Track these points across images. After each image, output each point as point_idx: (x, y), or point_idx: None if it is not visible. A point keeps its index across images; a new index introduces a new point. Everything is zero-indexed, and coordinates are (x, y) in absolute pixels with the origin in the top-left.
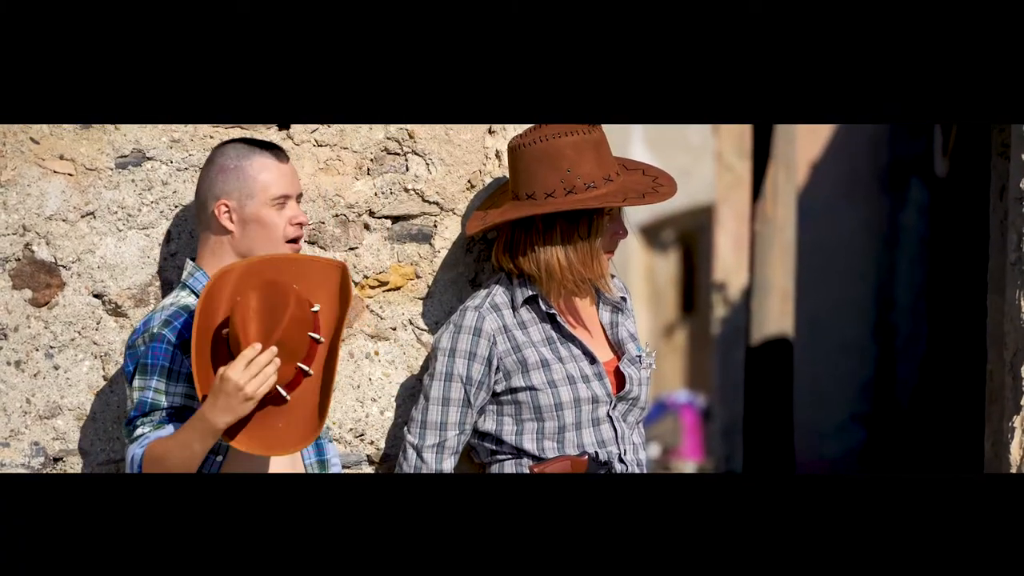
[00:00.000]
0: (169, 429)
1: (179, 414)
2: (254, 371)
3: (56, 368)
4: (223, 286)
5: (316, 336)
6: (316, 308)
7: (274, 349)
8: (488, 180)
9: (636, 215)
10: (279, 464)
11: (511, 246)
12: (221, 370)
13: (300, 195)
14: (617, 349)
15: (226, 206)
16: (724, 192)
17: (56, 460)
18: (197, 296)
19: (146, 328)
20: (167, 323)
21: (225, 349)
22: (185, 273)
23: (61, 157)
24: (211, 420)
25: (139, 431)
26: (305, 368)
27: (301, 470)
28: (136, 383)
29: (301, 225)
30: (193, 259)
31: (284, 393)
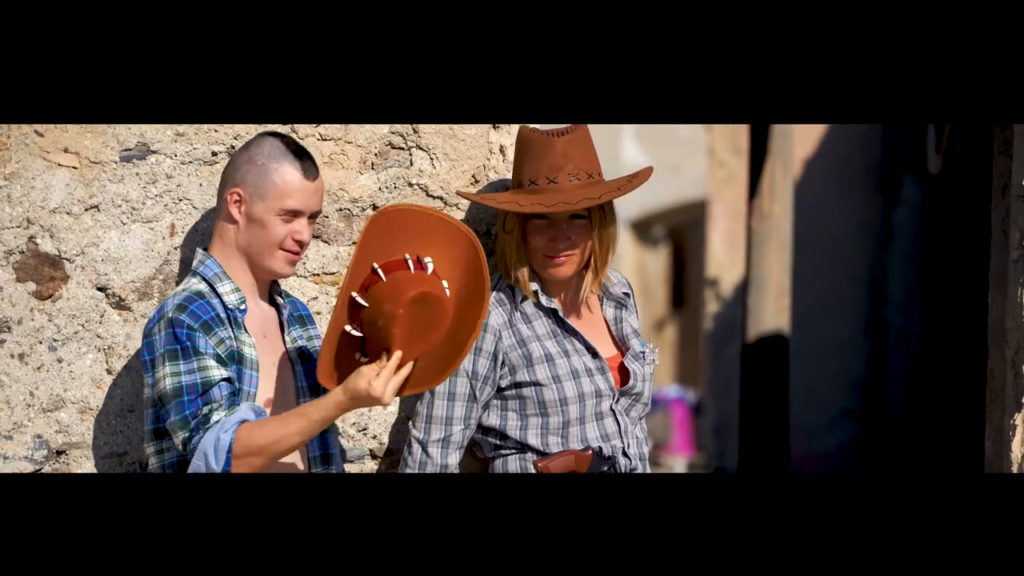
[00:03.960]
0: (244, 410)
1: (233, 390)
2: (395, 385)
3: (59, 361)
4: (385, 230)
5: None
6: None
7: (410, 364)
8: (492, 176)
9: (625, 211)
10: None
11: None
12: (367, 379)
13: (317, 213)
14: (621, 345)
15: (238, 195)
16: (716, 188)
17: (59, 453)
18: (208, 283)
19: (160, 316)
20: (182, 308)
21: (358, 322)
22: (196, 261)
23: (66, 150)
24: (333, 413)
25: (215, 417)
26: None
27: (304, 463)
28: (169, 370)
29: (301, 244)
30: (205, 248)
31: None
